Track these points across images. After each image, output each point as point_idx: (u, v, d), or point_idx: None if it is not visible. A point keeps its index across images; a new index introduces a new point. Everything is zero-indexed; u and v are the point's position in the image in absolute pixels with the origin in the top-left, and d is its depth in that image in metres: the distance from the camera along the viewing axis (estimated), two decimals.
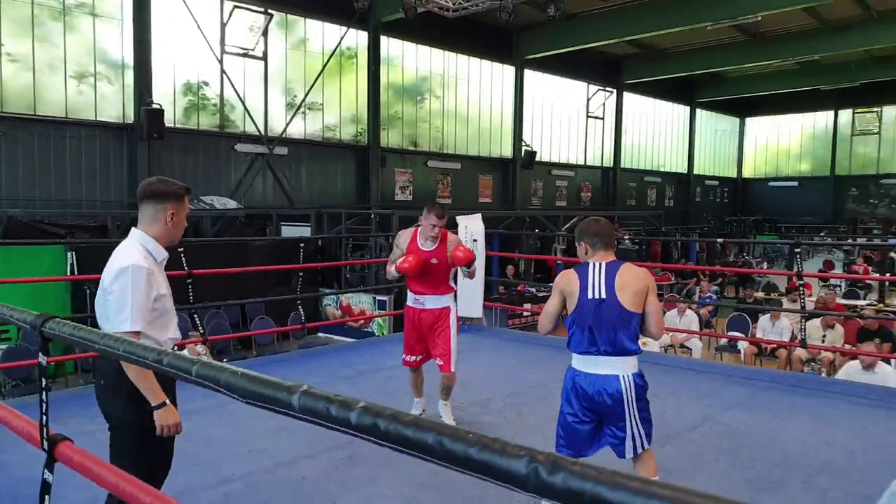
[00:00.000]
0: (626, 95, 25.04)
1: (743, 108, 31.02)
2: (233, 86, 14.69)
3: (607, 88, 24.12)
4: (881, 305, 11.59)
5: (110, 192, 13.26)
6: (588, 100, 23.79)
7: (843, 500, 3.32)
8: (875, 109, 28.21)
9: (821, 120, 29.82)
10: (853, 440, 4.20)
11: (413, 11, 13.24)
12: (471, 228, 7.68)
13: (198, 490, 3.43)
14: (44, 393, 1.49)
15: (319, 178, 16.55)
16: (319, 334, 11.76)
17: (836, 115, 29.22)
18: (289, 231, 13.69)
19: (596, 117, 24.13)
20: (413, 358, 4.41)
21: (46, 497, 1.53)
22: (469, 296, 7.54)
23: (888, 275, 14.44)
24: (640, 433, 2.87)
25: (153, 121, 12.95)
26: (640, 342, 2.98)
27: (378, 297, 11.73)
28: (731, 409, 4.88)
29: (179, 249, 5.56)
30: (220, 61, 14.52)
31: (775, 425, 4.50)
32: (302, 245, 6.68)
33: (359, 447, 4.04)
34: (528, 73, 21.15)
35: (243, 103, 14.93)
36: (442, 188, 19.29)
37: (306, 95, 15.90)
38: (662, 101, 27.04)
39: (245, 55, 15.07)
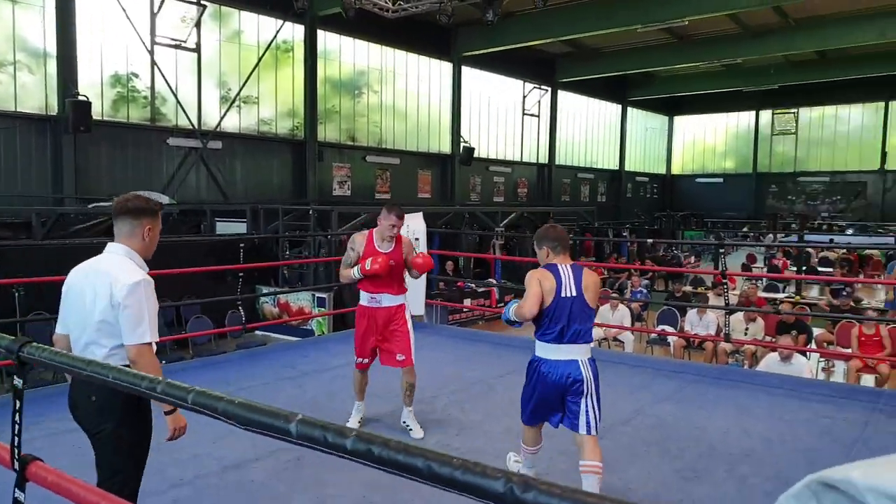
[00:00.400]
0: (561, 93, 25.56)
1: (672, 107, 32.13)
2: (164, 78, 14.33)
3: (542, 86, 24.57)
4: (798, 298, 12.27)
5: (32, 186, 12.76)
6: (524, 97, 24.18)
7: (761, 486, 3.58)
8: (792, 111, 29.68)
9: (743, 120, 31.17)
10: (770, 429, 4.50)
11: (353, 11, 13.20)
12: (412, 227, 7.77)
13: (146, 496, 3.40)
14: (17, 415, 1.51)
15: (255, 173, 16.32)
16: (257, 333, 11.63)
17: (757, 116, 30.60)
18: (224, 227, 13.47)
19: (532, 115, 24.55)
20: (365, 360, 4.43)
21: None
22: (411, 293, 7.63)
23: (804, 268, 15.32)
24: (594, 412, 3.25)
25: (79, 113, 12.51)
26: None
27: (318, 295, 11.68)
28: (660, 402, 5.14)
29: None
30: (151, 52, 14.14)
31: (701, 417, 4.78)
32: (242, 245, 6.62)
33: (305, 449, 4.09)
34: (465, 69, 21.34)
35: (176, 96, 14.58)
36: (381, 183, 19.29)
37: (241, 89, 15.65)
38: (595, 99, 27.72)
39: (177, 47, 14.70)
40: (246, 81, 15.67)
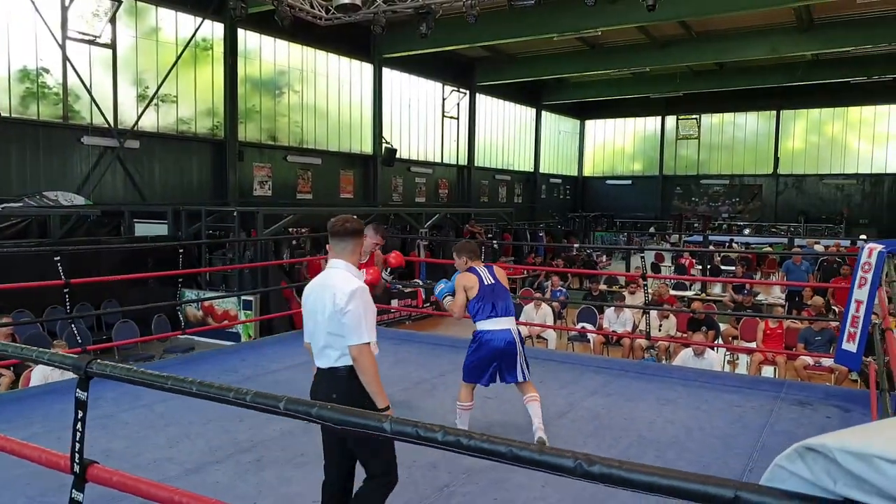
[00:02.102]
0: (479, 97, 26.11)
1: (583, 112, 33.37)
2: (77, 74, 13.80)
3: (461, 89, 25.04)
4: (703, 295, 13.17)
5: None
6: (444, 100, 24.57)
7: (687, 469, 4.00)
8: (694, 117, 31.43)
9: (650, 124, 32.75)
10: (690, 418, 4.99)
11: (289, 20, 13.23)
12: None
13: (109, 502, 3.50)
14: (79, 423, 1.66)
15: (174, 173, 15.94)
16: (180, 337, 11.43)
17: (663, 121, 32.20)
18: (143, 228, 13.15)
19: (451, 117, 24.98)
20: None
21: None
22: None
23: (709, 266, 16.39)
24: (525, 365, 4.36)
25: None
26: None
27: (244, 298, 11.61)
28: (591, 395, 5.56)
29: (56, 259, 5.39)
30: (63, 47, 13.60)
31: (629, 408, 5.22)
32: (181, 251, 6.62)
33: (264, 450, 4.25)
34: (386, 71, 21.50)
35: (90, 93, 14.06)
36: (302, 183, 19.20)
37: (159, 87, 15.26)
38: (511, 103, 28.46)
39: (91, 42, 14.19)
40: (164, 79, 15.29)
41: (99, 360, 1.70)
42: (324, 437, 2.93)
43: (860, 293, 5.30)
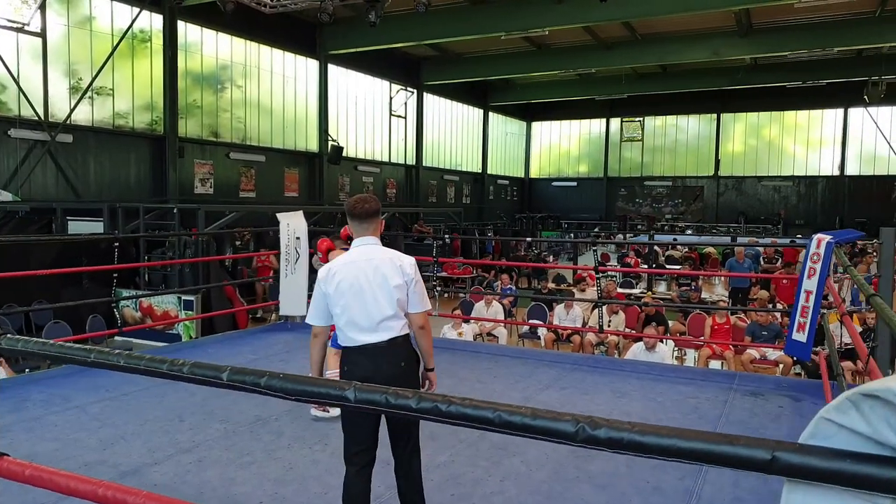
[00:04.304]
0: (427, 96, 25.98)
1: (530, 113, 33.60)
2: (4, 63, 13.08)
3: (409, 88, 24.85)
4: (650, 294, 13.30)
5: None
6: (391, 98, 24.34)
7: (645, 460, 3.92)
8: (638, 119, 31.99)
9: (595, 126, 33.17)
10: (645, 410, 4.93)
11: (232, 5, 12.75)
12: (293, 225, 7.67)
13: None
14: None
15: (110, 169, 15.27)
16: (117, 338, 10.93)
17: (608, 123, 32.68)
18: (77, 227, 12.53)
19: (399, 116, 24.76)
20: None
21: None
22: (291, 294, 7.54)
23: (654, 265, 16.60)
24: None
25: None
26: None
27: (184, 298, 11.17)
28: (546, 389, 5.46)
29: None
30: None
31: (584, 401, 5.14)
32: (117, 245, 6.26)
33: (206, 451, 4.00)
34: (332, 68, 21.16)
35: (17, 84, 13.35)
36: (245, 181, 18.70)
37: (94, 79, 14.58)
38: (459, 103, 28.42)
39: (18, 30, 13.48)
40: (99, 71, 14.62)
41: (9, 336, 1.47)
42: (359, 421, 2.87)
43: (809, 283, 5.34)
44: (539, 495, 3.48)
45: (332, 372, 4.24)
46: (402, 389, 1.21)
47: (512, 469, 3.79)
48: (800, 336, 5.46)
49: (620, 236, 25.33)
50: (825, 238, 5.17)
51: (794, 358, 7.90)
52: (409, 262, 2.95)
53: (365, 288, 2.85)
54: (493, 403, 1.16)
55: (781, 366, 8.14)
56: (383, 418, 2.87)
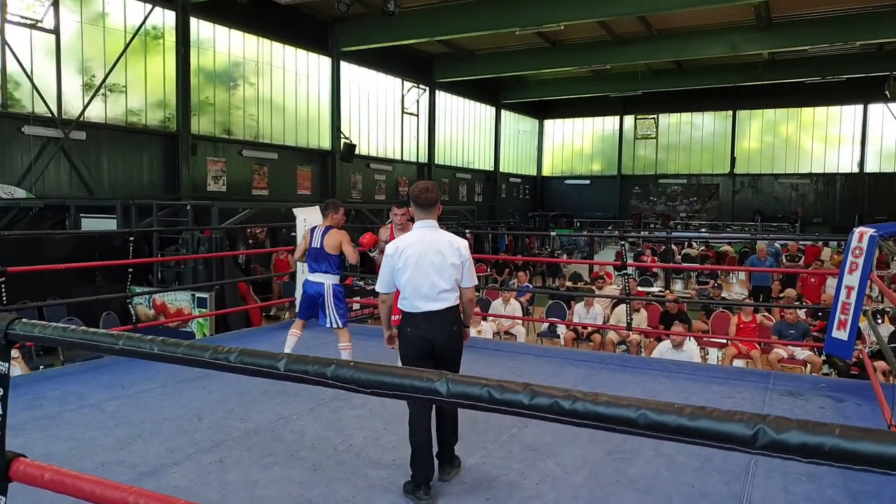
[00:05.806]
0: (439, 94, 25.79)
1: (542, 111, 33.33)
2: (18, 60, 13.01)
3: (421, 86, 24.67)
4: (668, 292, 13.06)
5: None
6: (403, 96, 24.17)
7: (688, 463, 3.74)
8: (652, 117, 31.67)
9: (609, 124, 32.86)
10: None
11: None
12: (309, 220, 7.51)
13: None
14: (1, 406, 1.26)
15: (123, 167, 15.18)
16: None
17: (621, 121, 32.36)
18: (90, 224, 12.44)
19: (411, 113, 24.59)
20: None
21: None
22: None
23: (670, 263, 16.33)
24: (335, 316, 5.37)
25: None
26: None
27: (198, 295, 11.04)
28: (575, 387, 5.26)
29: None
30: (1, 31, 12.80)
31: None
32: (132, 239, 6.12)
33: (226, 451, 3.84)
34: (344, 65, 21.01)
35: (31, 80, 13.27)
36: (258, 179, 18.59)
37: (107, 76, 14.50)
38: (471, 100, 28.21)
39: (32, 27, 13.41)
40: (112, 68, 14.53)
41: (25, 320, 1.31)
42: (416, 363, 3.30)
43: (851, 279, 5.11)
44: (580, 501, 3.29)
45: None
46: (507, 382, 1.12)
47: (547, 472, 3.61)
48: (840, 334, 5.23)
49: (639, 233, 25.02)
50: (868, 231, 4.95)
51: (824, 357, 7.68)
52: (464, 245, 3.48)
53: (427, 264, 3.34)
54: (638, 400, 0.99)
55: (810, 365, 7.91)
56: (433, 359, 3.37)
